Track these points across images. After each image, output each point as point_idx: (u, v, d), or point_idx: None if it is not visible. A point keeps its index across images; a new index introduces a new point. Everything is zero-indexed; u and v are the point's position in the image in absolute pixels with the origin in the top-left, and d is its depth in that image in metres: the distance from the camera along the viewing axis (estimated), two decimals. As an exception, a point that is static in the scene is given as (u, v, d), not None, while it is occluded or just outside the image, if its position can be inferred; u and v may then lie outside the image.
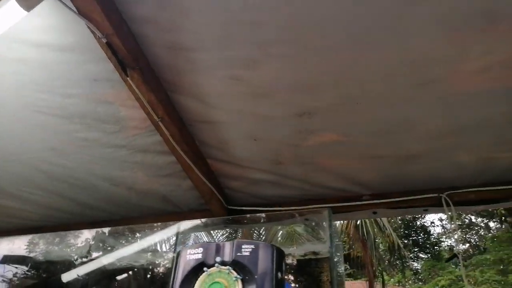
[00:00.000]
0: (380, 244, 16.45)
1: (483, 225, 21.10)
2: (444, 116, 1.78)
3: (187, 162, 2.14)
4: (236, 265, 1.00)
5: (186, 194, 2.46)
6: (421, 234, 21.96)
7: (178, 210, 2.62)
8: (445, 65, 1.55)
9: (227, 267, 1.00)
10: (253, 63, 1.64)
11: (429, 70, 1.58)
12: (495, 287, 15.43)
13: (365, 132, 1.90)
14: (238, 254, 1.01)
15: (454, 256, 2.24)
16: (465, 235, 21.89)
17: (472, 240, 21.75)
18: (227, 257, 1.02)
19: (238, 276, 0.98)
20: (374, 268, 11.94)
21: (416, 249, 21.56)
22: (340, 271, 2.14)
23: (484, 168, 2.05)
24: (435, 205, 2.20)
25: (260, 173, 2.28)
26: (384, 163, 2.09)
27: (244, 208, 2.48)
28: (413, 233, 21.51)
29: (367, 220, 9.61)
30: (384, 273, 19.92)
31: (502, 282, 15.76)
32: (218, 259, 1.01)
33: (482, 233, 21.07)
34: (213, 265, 1.01)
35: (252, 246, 1.02)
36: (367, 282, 12.81)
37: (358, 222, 10.15)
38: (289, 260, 1.80)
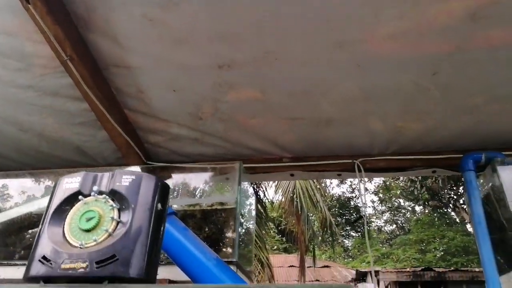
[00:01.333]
0: (315, 221, 17.18)
1: (410, 208, 22.80)
2: (358, 80, 1.82)
3: (101, 110, 2.02)
4: (114, 194, 0.95)
5: (101, 146, 2.35)
6: (354, 214, 23.30)
7: (94, 163, 2.49)
8: (359, 26, 1.58)
9: (104, 195, 0.95)
10: (171, 3, 1.56)
11: (345, 31, 1.60)
12: (414, 264, 16.85)
13: (283, 91, 1.90)
14: (117, 184, 0.97)
15: (360, 218, 2.36)
16: (393, 217, 23.56)
17: (399, 222, 23.45)
18: (105, 187, 0.97)
19: (115, 205, 0.94)
20: (306, 243, 12.46)
21: (348, 228, 22.87)
22: (250, 227, 2.17)
23: (395, 137, 2.17)
24: (348, 170, 2.30)
25: (180, 128, 2.22)
26: (302, 125, 2.12)
27: (163, 164, 2.42)
28: (347, 213, 22.75)
29: (301, 196, 9.93)
30: (316, 248, 20.97)
31: (421, 260, 17.30)
32: (95, 188, 0.96)
33: (408, 216, 22.78)
34: (89, 195, 0.96)
35: (133, 177, 0.98)
36: (301, 255, 13.43)
37: (295, 197, 10.47)
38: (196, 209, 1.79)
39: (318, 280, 17.61)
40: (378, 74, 1.79)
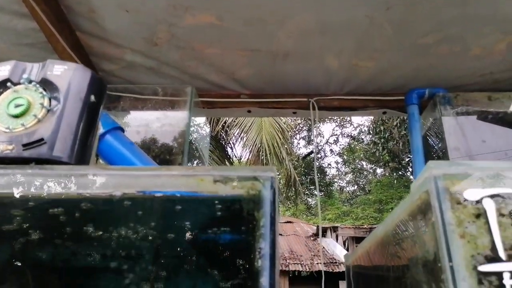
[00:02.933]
0: (282, 179, 17.62)
1: (371, 170, 23.73)
2: (314, 11, 1.81)
3: (51, 29, 1.92)
4: (45, 83, 0.93)
5: (52, 70, 2.25)
6: (318, 174, 24.03)
7: (45, 90, 2.40)
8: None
9: (34, 84, 0.93)
10: None
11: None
12: (371, 222, 17.82)
13: (240, 18, 1.87)
14: (49, 73, 0.94)
15: (311, 152, 2.43)
16: (356, 179, 24.48)
17: (361, 183, 24.43)
18: (35, 76, 0.94)
19: (45, 94, 0.92)
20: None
21: (312, 187, 23.61)
22: (205, 158, 2.21)
23: (350, 77, 2.21)
24: (303, 109, 2.35)
25: (135, 55, 2.16)
26: (259, 58, 2.11)
27: (117, 93, 2.37)
28: (312, 172, 23.39)
29: (267, 151, 10.10)
30: (281, 205, 21.68)
31: (378, 218, 18.31)
32: (25, 76, 0.93)
33: (370, 178, 23.73)
34: (19, 83, 0.94)
35: (65, 67, 0.95)
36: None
37: (261, 153, 10.64)
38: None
39: (281, 234, 18.35)
40: (334, 5, 1.78)
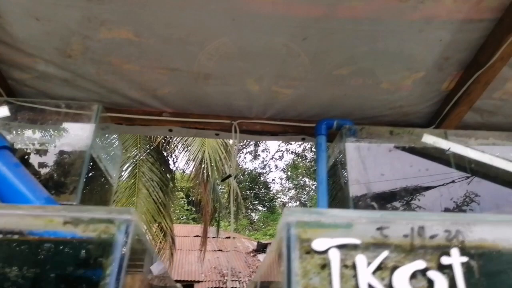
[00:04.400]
0: (226, 193, 17.52)
1: (313, 187, 24.37)
2: (234, 35, 1.82)
3: None
4: None
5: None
6: (263, 189, 24.23)
7: None
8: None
9: None
10: None
11: (219, -21, 1.57)
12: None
13: (159, 36, 1.83)
14: None
15: (228, 176, 2.42)
16: (297, 195, 24.99)
17: (302, 199, 24.97)
18: None
19: None
20: (210, 213, 12.66)
21: (256, 202, 23.73)
22: (113, 177, 2.10)
23: (271, 102, 2.23)
24: (226, 131, 2.33)
25: (48, 65, 2.02)
26: (181, 78, 2.07)
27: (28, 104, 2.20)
28: (256, 187, 23.55)
29: (208, 165, 9.98)
30: (224, 220, 21.52)
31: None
32: None
33: (311, 194, 24.35)
34: None
35: None
36: (204, 225, 13.64)
37: (203, 167, 10.48)
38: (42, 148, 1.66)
39: (221, 250, 18.13)
40: (253, 32, 1.80)
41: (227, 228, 21.53)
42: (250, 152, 23.16)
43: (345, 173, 1.72)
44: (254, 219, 24.04)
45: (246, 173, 23.12)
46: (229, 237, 18.98)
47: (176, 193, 21.39)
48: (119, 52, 1.93)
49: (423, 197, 1.73)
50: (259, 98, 2.20)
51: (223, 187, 17.06)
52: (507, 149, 2.20)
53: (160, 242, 10.55)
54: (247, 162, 23.66)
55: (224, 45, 1.87)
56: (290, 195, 25.15)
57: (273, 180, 25.13)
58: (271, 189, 24.76)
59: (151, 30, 1.80)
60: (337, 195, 1.86)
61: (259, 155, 23.11)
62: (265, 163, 24.22)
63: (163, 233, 10.46)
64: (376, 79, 2.06)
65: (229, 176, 2.48)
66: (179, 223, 24.63)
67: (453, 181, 1.88)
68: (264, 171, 23.90)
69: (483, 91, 2.05)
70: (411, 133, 1.90)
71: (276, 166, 25.02)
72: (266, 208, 24.11)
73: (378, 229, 0.67)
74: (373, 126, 1.95)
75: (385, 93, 2.14)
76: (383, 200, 1.67)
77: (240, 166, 22.71)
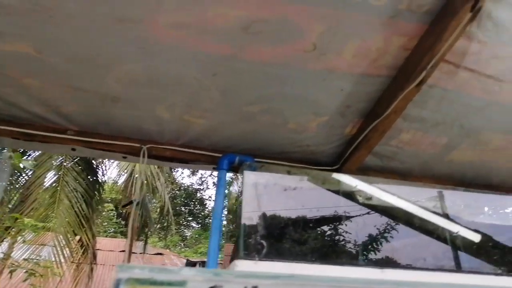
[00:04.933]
0: (156, 209, 17.02)
1: (249, 206, 24.44)
2: (143, 62, 1.79)
3: None
4: None
5: None
6: (198, 205, 23.85)
7: None
8: (141, 5, 1.55)
9: None
10: None
11: (127, 6, 1.55)
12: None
13: (62, 53, 1.75)
14: None
15: (130, 202, 2.34)
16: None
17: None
18: None
19: None
20: (137, 228, 12.18)
21: (190, 218, 23.26)
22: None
23: (184, 130, 2.22)
24: (134, 154, 2.26)
25: None
26: (86, 97, 1.99)
27: None
28: (192, 204, 23.13)
29: (139, 179, 9.65)
30: (155, 235, 20.79)
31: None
32: None
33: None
34: None
35: None
36: (131, 240, 13.07)
37: (133, 181, 10.09)
38: None
39: (148, 267, 17.40)
40: (163, 62, 1.79)
41: (157, 244, 20.80)
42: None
43: (241, 210, 1.74)
44: (186, 235, 23.51)
45: (182, 188, 22.66)
46: (159, 254, 18.31)
47: (106, 204, 20.39)
48: (18, 65, 1.81)
49: (309, 237, 1.80)
50: (170, 125, 2.17)
51: (156, 202, 16.54)
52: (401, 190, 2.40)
53: (80, 257, 9.92)
54: (184, 178, 23.24)
55: (133, 70, 1.83)
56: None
57: (209, 197, 24.85)
58: (206, 206, 24.47)
59: (54, 47, 1.72)
60: (234, 232, 1.87)
61: (197, 171, 22.83)
62: (202, 179, 23.95)
63: (83, 248, 9.85)
64: (284, 119, 2.13)
65: (131, 202, 2.38)
66: (106, 236, 23.35)
67: (341, 219, 1.98)
68: (202, 187, 23.61)
69: (381, 139, 2.21)
70: (308, 174, 1.98)
71: (214, 183, 24.80)
72: (200, 225, 23.72)
73: None
74: (273, 165, 2.01)
75: (292, 133, 2.22)
76: (273, 238, 1.71)
77: (177, 181, 22.21)
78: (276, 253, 1.60)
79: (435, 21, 1.66)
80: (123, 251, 17.47)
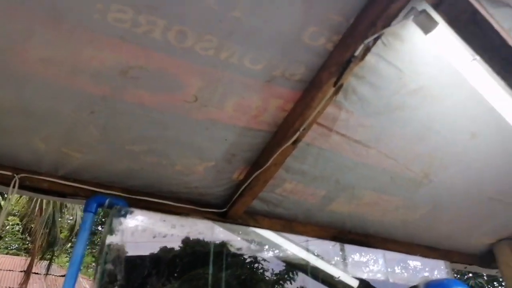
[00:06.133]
0: (65, 230, 15.96)
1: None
2: (15, 92, 1.71)
3: None
4: None
5: None
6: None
7: None
8: (10, 37, 1.49)
9: None
10: None
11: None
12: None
13: None
14: None
15: None
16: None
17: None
18: None
19: None
20: (40, 246, 11.19)
21: (106, 238, 21.88)
22: None
23: (62, 161, 2.11)
24: (5, 184, 2.10)
25: None
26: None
27: None
28: (110, 223, 21.84)
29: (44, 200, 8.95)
30: (66, 256, 19.21)
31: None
32: None
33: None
34: None
35: None
36: (31, 259, 11.95)
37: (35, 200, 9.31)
38: None
39: (51, 290, 15.95)
40: (36, 94, 1.72)
41: (65, 264, 19.16)
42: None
43: (103, 254, 1.69)
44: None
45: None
46: (64, 275, 16.87)
47: (10, 217, 18.48)
48: None
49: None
50: (47, 156, 2.06)
51: (71, 217, 15.34)
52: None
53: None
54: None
55: (3, 98, 1.73)
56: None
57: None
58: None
59: None
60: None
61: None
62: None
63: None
64: (170, 161, 2.14)
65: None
66: (7, 253, 21.03)
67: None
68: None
69: (264, 187, 2.30)
70: (180, 221, 1.99)
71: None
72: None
73: None
74: (146, 211, 1.99)
75: (180, 174, 2.23)
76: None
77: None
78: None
79: (306, 89, 1.81)
80: (24, 271, 15.86)
